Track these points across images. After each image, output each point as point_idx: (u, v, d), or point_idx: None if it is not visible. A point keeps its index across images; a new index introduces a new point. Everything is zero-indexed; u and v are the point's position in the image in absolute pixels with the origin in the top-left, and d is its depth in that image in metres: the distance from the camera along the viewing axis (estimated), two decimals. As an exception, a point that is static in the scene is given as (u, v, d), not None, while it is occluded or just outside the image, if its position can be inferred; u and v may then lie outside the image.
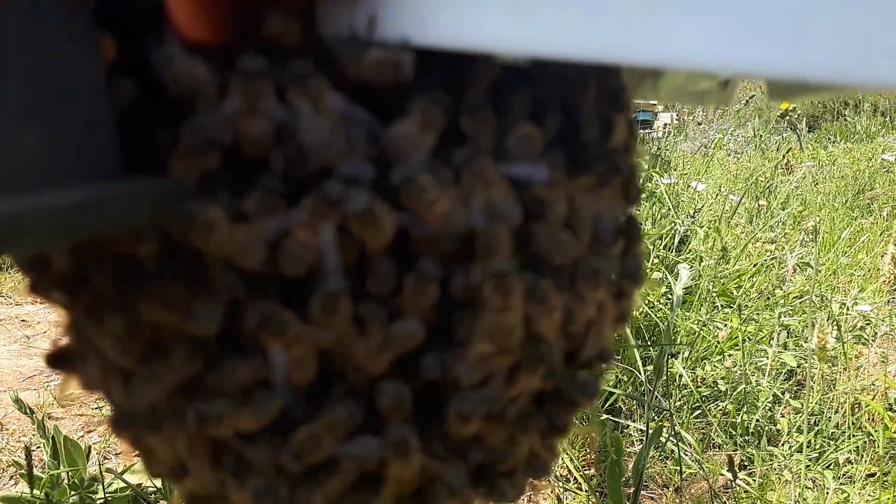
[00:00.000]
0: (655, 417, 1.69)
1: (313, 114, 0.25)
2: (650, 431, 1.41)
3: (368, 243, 0.25)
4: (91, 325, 0.27)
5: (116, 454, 1.92)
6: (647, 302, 1.99)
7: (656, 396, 1.54)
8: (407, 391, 0.28)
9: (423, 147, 0.26)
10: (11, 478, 1.81)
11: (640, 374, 1.60)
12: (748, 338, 1.90)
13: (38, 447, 1.92)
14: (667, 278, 1.89)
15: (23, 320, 3.02)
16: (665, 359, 1.42)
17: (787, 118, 4.14)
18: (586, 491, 1.68)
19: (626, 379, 1.76)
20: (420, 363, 0.27)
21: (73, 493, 1.31)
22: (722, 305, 2.09)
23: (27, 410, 1.52)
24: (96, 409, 2.14)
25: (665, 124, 5.16)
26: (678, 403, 1.75)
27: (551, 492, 1.72)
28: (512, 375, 0.30)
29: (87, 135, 0.24)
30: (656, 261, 2.14)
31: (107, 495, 1.38)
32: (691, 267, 1.88)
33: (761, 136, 4.63)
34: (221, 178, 0.25)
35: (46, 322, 3.00)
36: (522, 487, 0.35)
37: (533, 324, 0.28)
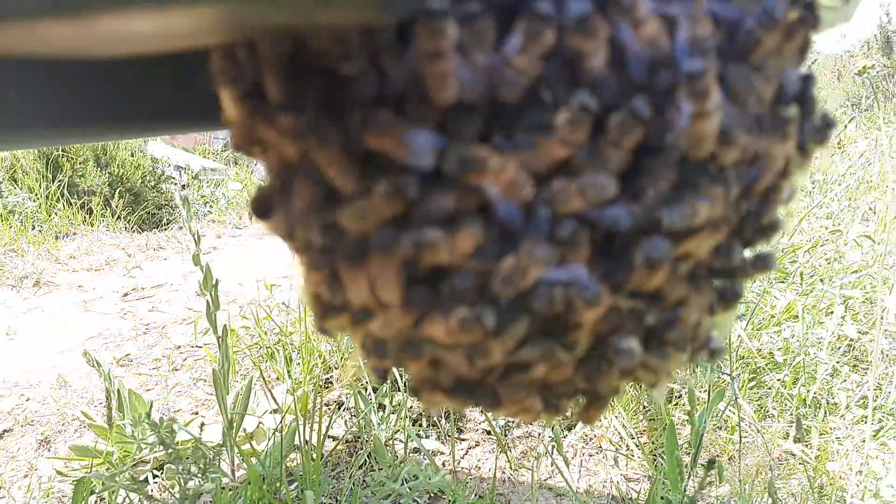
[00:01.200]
0: (712, 384, 1.68)
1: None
2: (711, 396, 1.40)
3: (585, 57, 0.25)
4: (311, 144, 0.28)
5: (175, 412, 1.97)
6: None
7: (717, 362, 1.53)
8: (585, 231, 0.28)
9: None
10: (76, 431, 1.88)
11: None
12: (806, 310, 1.87)
13: (100, 403, 1.98)
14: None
15: (79, 286, 3.11)
16: (729, 324, 1.41)
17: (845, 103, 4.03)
18: (639, 458, 1.68)
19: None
20: (606, 213, 0.28)
21: (150, 432, 1.36)
22: (777, 280, 2.06)
23: (95, 363, 1.57)
24: (154, 369, 2.20)
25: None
26: (735, 373, 1.73)
27: (604, 457, 1.72)
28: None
29: None
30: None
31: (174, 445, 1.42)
32: None
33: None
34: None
35: (102, 287, 3.08)
36: (677, 362, 0.35)
37: (719, 158, 0.29)
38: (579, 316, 0.29)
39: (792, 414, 1.73)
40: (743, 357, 1.78)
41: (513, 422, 1.84)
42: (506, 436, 1.80)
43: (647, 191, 0.28)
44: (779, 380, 1.76)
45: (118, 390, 1.68)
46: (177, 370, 2.20)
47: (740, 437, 1.39)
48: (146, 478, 1.53)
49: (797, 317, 1.84)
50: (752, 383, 1.79)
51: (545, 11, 0.24)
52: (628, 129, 0.26)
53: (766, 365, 1.82)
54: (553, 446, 1.76)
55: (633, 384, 1.78)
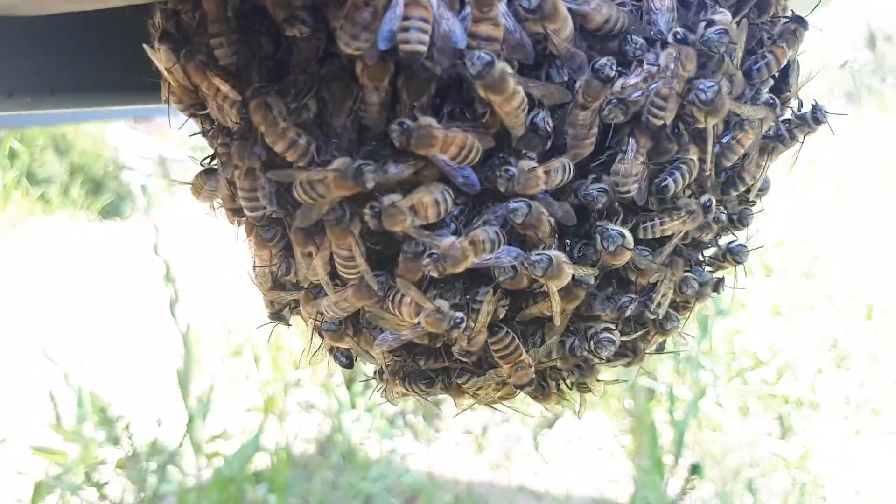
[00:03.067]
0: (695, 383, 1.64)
1: None
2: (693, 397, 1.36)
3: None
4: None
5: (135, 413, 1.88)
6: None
7: (698, 361, 1.48)
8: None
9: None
10: (35, 431, 1.78)
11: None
12: (792, 309, 1.84)
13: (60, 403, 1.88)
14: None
15: (38, 278, 2.99)
16: (709, 326, 1.37)
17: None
18: (621, 458, 1.63)
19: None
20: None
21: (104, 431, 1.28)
22: (763, 276, 2.03)
23: (51, 359, 1.48)
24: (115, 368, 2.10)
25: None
26: (718, 371, 1.69)
27: (585, 458, 1.68)
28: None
29: None
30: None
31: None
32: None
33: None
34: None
35: (63, 280, 2.96)
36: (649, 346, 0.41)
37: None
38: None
39: (778, 412, 1.70)
40: (724, 355, 1.74)
41: (492, 422, 1.78)
42: (484, 436, 1.75)
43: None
44: (763, 379, 1.73)
45: (79, 389, 1.59)
46: (140, 369, 2.10)
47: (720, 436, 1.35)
48: (105, 480, 1.44)
49: (781, 314, 1.81)
50: (736, 381, 1.75)
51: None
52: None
53: (751, 364, 1.78)
54: (533, 447, 1.71)
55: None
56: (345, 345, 0.37)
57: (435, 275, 0.30)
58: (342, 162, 0.28)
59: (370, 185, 0.28)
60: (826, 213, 2.60)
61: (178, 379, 1.42)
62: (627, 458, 1.59)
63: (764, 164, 0.37)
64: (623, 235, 0.32)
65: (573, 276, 0.32)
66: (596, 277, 0.34)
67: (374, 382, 1.66)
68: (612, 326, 0.36)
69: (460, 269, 0.31)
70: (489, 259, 0.31)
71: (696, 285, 0.36)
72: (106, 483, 1.45)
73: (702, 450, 1.64)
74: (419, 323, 0.32)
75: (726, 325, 1.78)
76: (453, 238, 0.30)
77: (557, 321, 0.33)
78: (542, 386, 0.40)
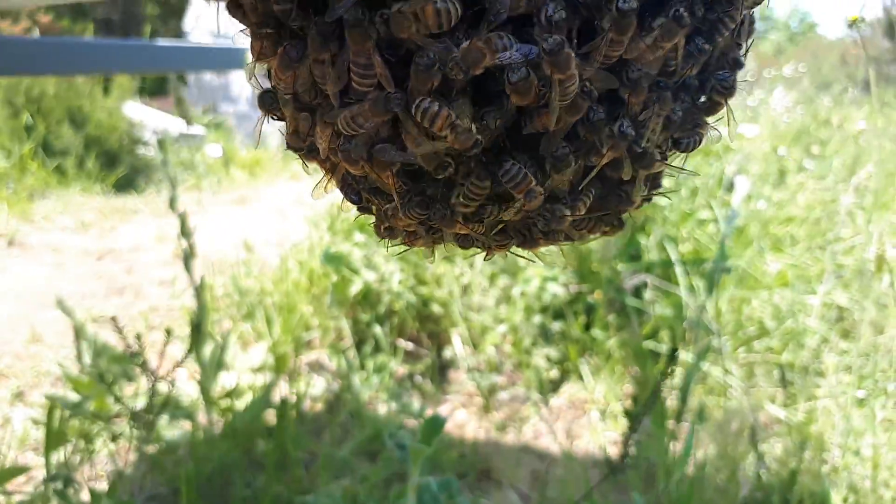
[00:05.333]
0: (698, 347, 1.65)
1: None
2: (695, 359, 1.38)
3: None
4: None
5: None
6: (695, 238, 1.94)
7: (703, 324, 1.50)
8: None
9: None
10: (52, 384, 1.82)
11: (689, 304, 1.56)
12: (798, 278, 1.85)
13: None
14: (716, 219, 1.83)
15: (54, 249, 3.03)
16: (716, 281, 1.38)
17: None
18: (624, 421, 1.65)
19: (672, 312, 1.72)
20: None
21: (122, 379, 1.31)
22: (770, 248, 2.03)
23: (66, 311, 1.51)
24: (128, 328, 2.14)
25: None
26: (725, 338, 1.70)
27: (589, 420, 1.70)
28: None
29: None
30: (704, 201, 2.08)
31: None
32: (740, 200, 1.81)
33: (811, 97, 4.49)
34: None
35: (77, 248, 3.00)
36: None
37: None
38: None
39: (782, 380, 1.71)
40: (731, 322, 1.75)
41: (498, 383, 1.81)
42: (490, 397, 1.77)
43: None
44: (768, 347, 1.74)
45: (94, 341, 1.62)
46: (153, 328, 2.14)
47: (724, 400, 1.37)
48: (119, 431, 1.48)
49: (788, 284, 1.81)
50: (742, 349, 1.76)
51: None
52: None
53: (758, 332, 1.79)
54: (538, 408, 1.73)
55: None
56: (357, 170, 0.37)
57: (460, 76, 0.31)
58: None
59: None
60: (836, 189, 2.59)
61: (190, 333, 1.45)
62: (629, 421, 1.60)
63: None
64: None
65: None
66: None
67: (385, 346, 1.68)
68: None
69: (480, 69, 0.31)
70: (506, 57, 0.31)
71: (680, 113, 0.37)
72: (120, 434, 1.49)
73: (706, 414, 1.66)
74: (445, 137, 0.33)
75: (733, 294, 1.79)
76: (467, 42, 0.31)
77: (553, 120, 0.34)
78: (524, 235, 0.41)
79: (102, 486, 1.33)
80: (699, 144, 0.39)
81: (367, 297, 1.91)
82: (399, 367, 1.88)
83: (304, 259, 2.05)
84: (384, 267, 1.86)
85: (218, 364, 1.57)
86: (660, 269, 1.82)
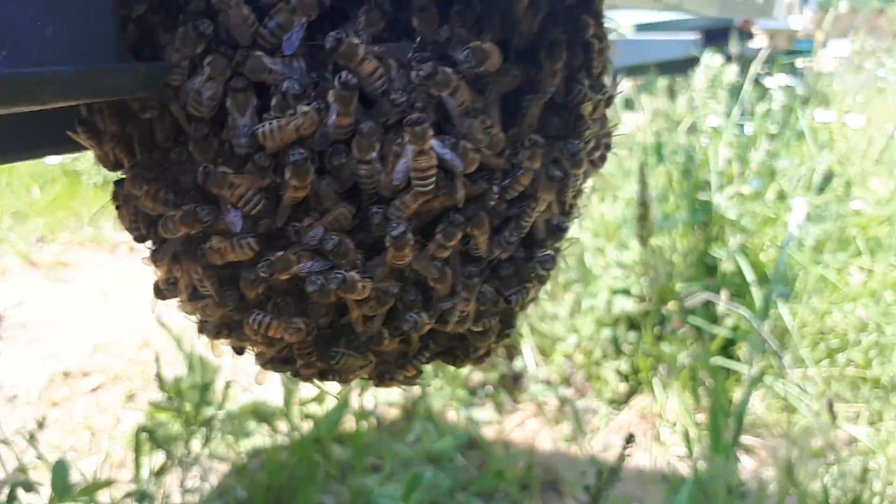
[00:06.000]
0: (768, 362, 1.61)
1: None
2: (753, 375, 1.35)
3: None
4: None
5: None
6: (777, 246, 1.88)
7: (767, 340, 1.46)
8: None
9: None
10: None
11: (753, 319, 1.52)
12: (885, 287, 1.75)
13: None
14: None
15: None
16: (772, 299, 1.34)
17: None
18: (691, 435, 1.64)
19: (743, 326, 1.68)
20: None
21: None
22: (852, 255, 1.93)
23: (163, 324, 1.67)
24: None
25: (838, 55, 4.61)
26: (789, 353, 1.65)
27: (658, 435, 1.70)
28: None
29: (94, 29, 0.31)
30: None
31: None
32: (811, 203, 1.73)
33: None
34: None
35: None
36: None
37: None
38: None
39: (865, 397, 1.64)
40: (809, 335, 1.69)
41: (568, 394, 1.84)
42: (561, 408, 1.80)
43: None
44: (850, 360, 1.67)
45: (190, 354, 1.79)
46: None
47: (789, 416, 1.34)
48: (210, 434, 1.62)
49: (874, 294, 1.73)
50: (824, 363, 1.70)
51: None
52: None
53: (840, 344, 1.72)
54: (606, 422, 1.75)
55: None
56: (224, 341, 0.44)
57: (267, 281, 0.38)
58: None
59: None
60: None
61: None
62: (699, 437, 1.60)
63: None
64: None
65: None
66: None
67: None
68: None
69: (287, 275, 0.38)
70: (305, 268, 0.38)
71: (489, 290, 0.40)
72: (206, 439, 1.63)
73: (777, 431, 1.62)
74: (282, 338, 0.39)
75: (813, 305, 1.72)
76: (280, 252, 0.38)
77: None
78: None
79: (192, 493, 1.49)
80: (527, 296, 0.42)
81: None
82: (473, 376, 1.94)
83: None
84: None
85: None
86: (737, 280, 1.78)
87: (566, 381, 1.86)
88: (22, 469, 1.14)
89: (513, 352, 1.96)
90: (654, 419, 1.75)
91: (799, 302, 1.69)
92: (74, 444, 1.78)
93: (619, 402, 1.81)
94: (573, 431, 1.73)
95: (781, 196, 2.07)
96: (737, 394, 1.72)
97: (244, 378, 2.04)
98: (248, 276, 0.37)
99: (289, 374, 0.45)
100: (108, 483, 1.05)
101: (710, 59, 1.87)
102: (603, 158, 0.47)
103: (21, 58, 0.27)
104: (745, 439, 1.62)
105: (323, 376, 0.44)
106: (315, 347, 0.40)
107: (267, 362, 0.45)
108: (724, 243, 1.82)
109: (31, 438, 1.21)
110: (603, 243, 1.96)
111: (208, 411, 1.66)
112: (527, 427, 1.81)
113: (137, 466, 1.24)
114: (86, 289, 2.82)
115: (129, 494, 1.13)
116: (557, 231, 0.42)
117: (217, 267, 0.37)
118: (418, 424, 1.75)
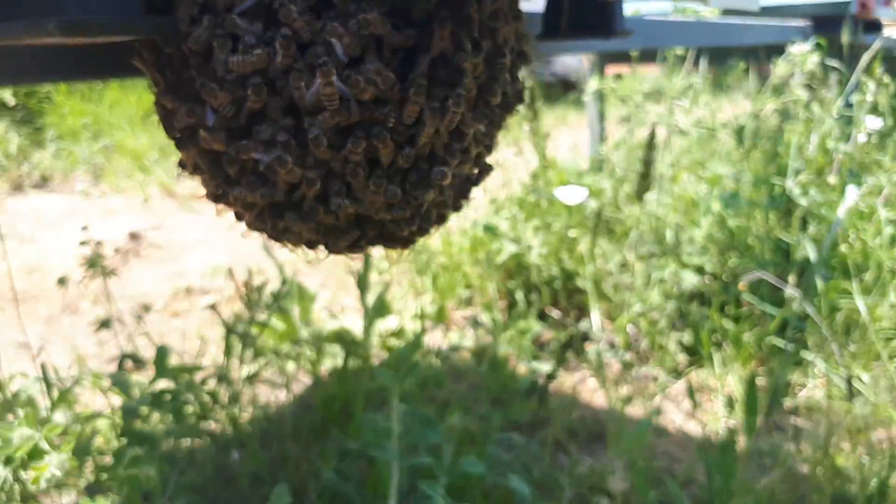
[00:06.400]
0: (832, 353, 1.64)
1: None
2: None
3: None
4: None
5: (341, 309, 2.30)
6: (862, 239, 1.87)
7: (819, 324, 1.49)
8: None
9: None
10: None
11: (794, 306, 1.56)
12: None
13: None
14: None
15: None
16: (812, 282, 1.37)
17: None
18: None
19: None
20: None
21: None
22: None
23: (270, 254, 1.89)
24: (329, 269, 2.54)
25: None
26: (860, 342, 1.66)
27: (711, 405, 1.76)
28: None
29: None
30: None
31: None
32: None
33: None
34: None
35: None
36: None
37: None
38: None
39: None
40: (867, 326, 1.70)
41: (630, 359, 1.93)
42: (622, 371, 1.90)
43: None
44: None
45: (291, 280, 2.01)
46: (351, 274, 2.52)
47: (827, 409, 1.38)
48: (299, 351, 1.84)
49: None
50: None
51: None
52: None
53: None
54: (663, 389, 1.83)
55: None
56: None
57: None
58: None
59: None
60: None
61: (356, 280, 1.77)
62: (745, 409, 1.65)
63: None
64: None
65: None
66: None
67: (527, 307, 1.88)
68: None
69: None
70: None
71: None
72: (297, 355, 1.85)
73: (833, 419, 1.65)
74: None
75: (879, 293, 1.72)
76: None
77: None
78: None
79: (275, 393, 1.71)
80: (427, 197, 0.58)
81: (520, 266, 2.11)
82: (544, 333, 2.07)
83: (466, 227, 2.31)
84: (532, 240, 2.05)
85: (380, 308, 1.87)
86: (805, 266, 1.80)
87: (629, 347, 1.95)
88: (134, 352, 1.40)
89: (581, 314, 2.06)
90: (710, 392, 1.82)
91: (881, 295, 1.69)
92: (187, 348, 2.05)
93: (679, 373, 1.88)
94: (629, 393, 1.83)
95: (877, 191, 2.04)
96: (794, 376, 1.75)
97: (335, 307, 2.27)
98: (225, 156, 0.55)
99: (264, 234, 0.63)
100: (198, 368, 1.27)
101: (797, 47, 1.86)
102: (506, 106, 0.64)
103: (82, 9, 0.44)
104: (797, 421, 1.67)
105: (280, 237, 0.62)
106: (271, 213, 0.58)
107: (248, 224, 0.63)
108: (803, 230, 1.84)
109: (139, 318, 1.46)
110: (682, 219, 2.02)
111: (300, 331, 1.88)
112: (587, 384, 1.92)
113: (227, 357, 1.46)
114: (213, 219, 3.14)
115: (213, 375, 1.35)
116: (450, 154, 0.56)
117: (206, 150, 0.56)
118: (483, 368, 1.90)
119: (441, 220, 0.63)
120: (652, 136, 1.55)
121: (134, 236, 2.99)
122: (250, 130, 0.52)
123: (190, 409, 1.22)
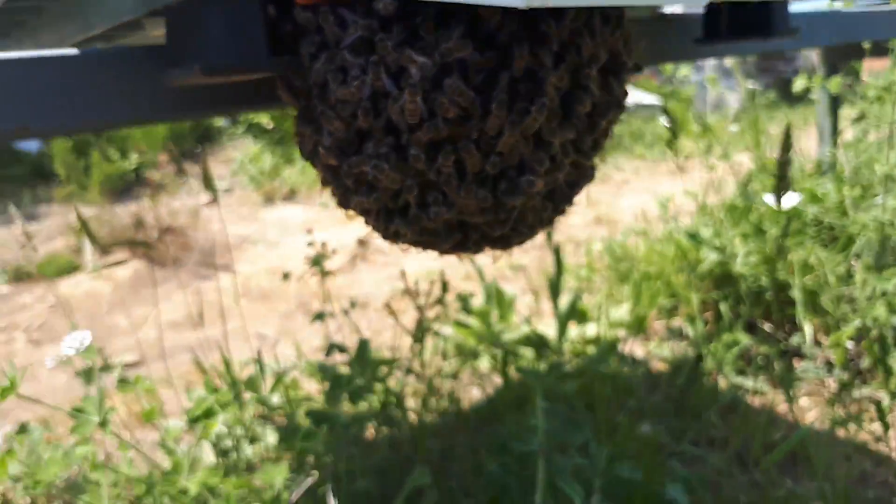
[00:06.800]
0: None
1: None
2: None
3: None
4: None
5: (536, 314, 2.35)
6: None
7: None
8: None
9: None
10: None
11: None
12: None
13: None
14: None
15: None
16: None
17: None
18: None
19: None
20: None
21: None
22: None
23: (474, 263, 2.00)
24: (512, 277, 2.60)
25: None
26: None
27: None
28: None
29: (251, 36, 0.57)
30: None
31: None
32: None
33: None
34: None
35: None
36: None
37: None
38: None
39: None
40: None
41: (849, 380, 1.76)
42: (839, 392, 1.74)
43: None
44: None
45: (491, 286, 2.11)
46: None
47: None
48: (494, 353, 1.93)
49: None
50: None
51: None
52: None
53: None
54: (885, 412, 1.65)
55: None
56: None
57: None
58: None
59: None
60: None
61: (549, 286, 1.81)
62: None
63: None
64: None
65: None
66: None
67: (733, 319, 1.83)
68: None
69: None
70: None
71: None
72: (493, 358, 1.93)
73: None
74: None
75: None
76: None
77: None
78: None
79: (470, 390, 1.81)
80: (516, 199, 0.61)
81: (726, 276, 2.01)
82: (753, 347, 1.95)
83: (667, 235, 2.24)
84: (739, 248, 1.94)
85: (573, 313, 1.90)
86: None
87: (846, 365, 1.78)
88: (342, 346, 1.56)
89: (793, 328, 1.92)
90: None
91: None
92: (398, 344, 2.23)
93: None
94: (844, 415, 1.67)
95: None
96: None
97: (535, 313, 2.32)
98: (342, 170, 0.63)
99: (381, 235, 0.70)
100: (393, 360, 1.39)
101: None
102: (601, 114, 0.66)
103: (221, 55, 0.54)
104: None
105: (392, 239, 0.70)
106: (384, 218, 0.66)
107: (370, 227, 0.72)
108: None
109: (346, 313, 1.63)
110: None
111: (497, 334, 1.97)
112: (797, 403, 1.78)
113: (420, 352, 1.58)
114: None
115: (401, 366, 1.48)
116: (537, 162, 0.59)
117: (326, 165, 0.66)
118: (681, 380, 1.85)
119: (542, 223, 0.67)
120: (787, 134, 1.43)
121: (362, 242, 3.28)
122: (360, 148, 0.60)
123: (380, 397, 1.35)
